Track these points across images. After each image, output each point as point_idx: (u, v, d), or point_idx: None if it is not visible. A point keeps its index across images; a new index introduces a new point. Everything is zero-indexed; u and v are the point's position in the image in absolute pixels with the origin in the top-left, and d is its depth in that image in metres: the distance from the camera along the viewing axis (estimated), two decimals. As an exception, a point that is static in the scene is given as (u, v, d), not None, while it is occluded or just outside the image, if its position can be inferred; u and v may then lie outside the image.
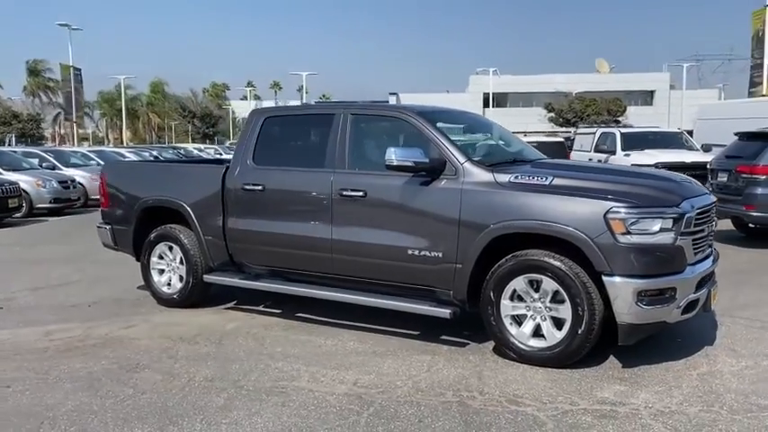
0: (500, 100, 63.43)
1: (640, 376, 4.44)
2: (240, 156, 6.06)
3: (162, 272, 6.65)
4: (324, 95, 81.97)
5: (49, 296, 7.21)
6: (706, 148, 14.55)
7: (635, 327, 4.42)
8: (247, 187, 5.88)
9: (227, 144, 52.26)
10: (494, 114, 57.14)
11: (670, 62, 63.89)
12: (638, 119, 46.74)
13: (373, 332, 5.55)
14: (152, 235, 6.62)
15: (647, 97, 63.51)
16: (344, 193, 5.35)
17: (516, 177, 4.79)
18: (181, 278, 6.51)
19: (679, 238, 4.41)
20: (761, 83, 21.92)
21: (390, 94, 65.71)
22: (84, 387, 4.41)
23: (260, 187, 5.82)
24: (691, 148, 14.61)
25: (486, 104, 62.35)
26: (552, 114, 50.62)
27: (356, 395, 4.19)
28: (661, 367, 4.60)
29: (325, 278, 5.66)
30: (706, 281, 4.76)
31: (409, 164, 4.93)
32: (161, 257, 6.64)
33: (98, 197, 7.27)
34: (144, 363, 4.90)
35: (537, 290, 4.66)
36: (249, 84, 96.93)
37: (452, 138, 5.19)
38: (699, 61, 62.28)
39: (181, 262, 6.48)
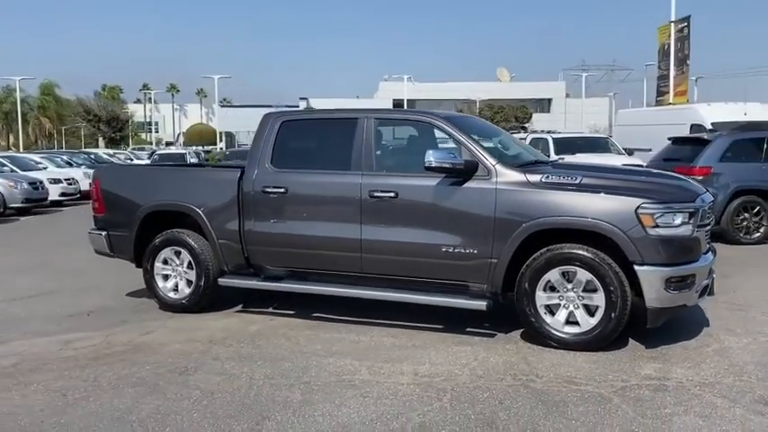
0: (410, 106, 64.70)
1: (666, 355, 4.94)
2: (257, 159, 6.12)
3: (166, 277, 6.57)
4: (225, 99, 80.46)
5: (34, 307, 6.91)
6: (629, 152, 15.74)
7: (662, 310, 4.93)
8: (268, 190, 5.96)
9: (130, 149, 50.47)
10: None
11: (565, 71, 67.64)
12: (537, 125, 49.35)
13: (399, 327, 5.78)
14: (157, 240, 6.53)
15: (544, 104, 66.84)
16: (375, 194, 5.56)
17: (547, 177, 5.19)
18: (189, 283, 6.47)
19: (695, 230, 4.96)
20: (667, 92, 23.93)
21: (301, 98, 65.67)
22: (148, 391, 4.39)
23: (282, 190, 5.92)
24: (618, 152, 15.72)
25: (396, 110, 63.43)
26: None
27: (425, 384, 4.43)
28: (678, 347, 5.13)
29: (352, 277, 5.84)
30: (710, 269, 5.35)
31: (447, 165, 5.22)
32: (165, 263, 6.56)
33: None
34: (191, 366, 4.90)
35: (569, 281, 5.07)
36: (145, 86, 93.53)
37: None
38: (585, 71, 66.37)
39: (189, 266, 6.44)
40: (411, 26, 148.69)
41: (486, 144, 5.67)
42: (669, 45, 23.14)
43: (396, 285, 5.70)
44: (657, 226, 4.83)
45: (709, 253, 5.33)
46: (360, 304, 6.05)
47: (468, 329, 5.68)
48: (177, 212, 6.51)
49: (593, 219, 4.91)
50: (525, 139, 17.28)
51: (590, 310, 5.04)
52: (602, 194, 4.99)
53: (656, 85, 26.10)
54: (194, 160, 28.38)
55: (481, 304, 5.27)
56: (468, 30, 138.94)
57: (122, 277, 7.62)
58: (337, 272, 5.88)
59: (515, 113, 50.38)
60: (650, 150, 13.73)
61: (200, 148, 51.24)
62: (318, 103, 60.25)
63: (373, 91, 69.47)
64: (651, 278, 4.82)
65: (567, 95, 65.93)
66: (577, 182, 5.13)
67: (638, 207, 4.84)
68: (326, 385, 4.45)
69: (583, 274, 4.99)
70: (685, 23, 23.19)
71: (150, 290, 6.65)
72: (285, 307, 6.57)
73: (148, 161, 29.96)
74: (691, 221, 4.93)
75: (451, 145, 5.67)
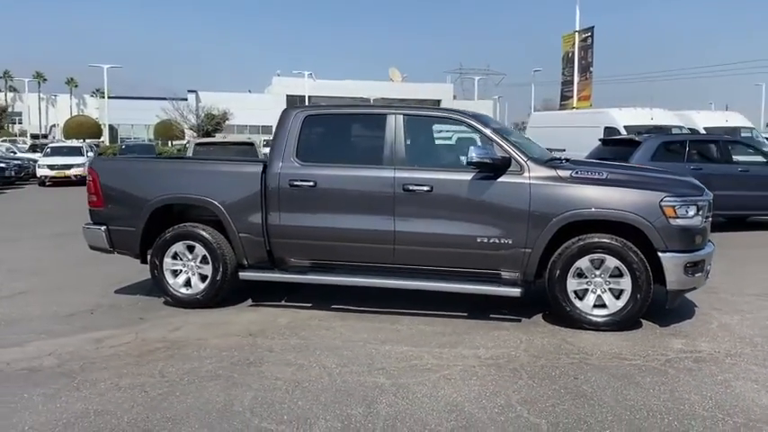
0: (302, 103, 64.36)
1: (682, 332, 5.55)
2: (281, 153, 6.14)
3: (175, 273, 6.43)
4: (98, 90, 75.88)
5: (21, 307, 6.51)
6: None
7: (680, 292, 5.56)
8: (296, 184, 6.01)
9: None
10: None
11: (445, 73, 70.16)
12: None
13: (426, 316, 6.04)
14: (167, 234, 6.37)
15: (434, 105, 68.77)
16: (409, 187, 5.78)
17: (577, 173, 5.66)
18: (203, 278, 6.37)
19: (704, 220, 5.61)
20: (571, 96, 25.68)
21: (189, 91, 63.31)
22: (231, 384, 4.39)
23: (311, 183, 5.99)
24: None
25: (291, 106, 62.94)
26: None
27: (494, 365, 4.74)
28: (687, 325, 5.76)
29: (379, 268, 6.02)
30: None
31: (487, 161, 5.55)
32: (174, 258, 6.42)
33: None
34: (253, 359, 4.91)
35: (597, 267, 5.56)
36: (6, 74, 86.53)
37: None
38: (463, 74, 69.45)
39: (203, 261, 6.34)
40: (305, 24, 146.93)
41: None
42: (573, 53, 24.91)
43: (422, 275, 5.95)
44: (678, 217, 5.42)
45: (710, 242, 6.02)
46: (372, 296, 6.29)
47: (491, 315, 6.04)
48: (188, 206, 6.40)
49: (623, 211, 5.43)
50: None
51: (615, 294, 5.55)
52: (627, 189, 5.52)
53: (561, 90, 27.99)
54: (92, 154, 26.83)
55: (516, 291, 5.65)
56: (362, 30, 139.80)
57: (87, 274, 7.58)
58: (368, 263, 6.04)
59: (414, 113, 51.64)
60: (564, 150, 14.78)
61: (82, 141, 48.31)
62: (208, 97, 58.61)
63: (265, 85, 68.41)
64: (673, 263, 5.41)
65: (455, 97, 68.40)
66: (604, 177, 5.63)
67: (661, 200, 5.42)
68: (404, 370, 4.64)
69: (611, 261, 5.50)
70: (589, 33, 25.03)
71: (159, 286, 6.47)
72: (297, 300, 6.63)
73: (40, 155, 27.89)
74: (700, 213, 5.57)
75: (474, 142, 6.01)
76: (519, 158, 5.69)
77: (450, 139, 6.30)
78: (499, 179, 5.67)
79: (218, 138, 22.10)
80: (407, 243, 5.86)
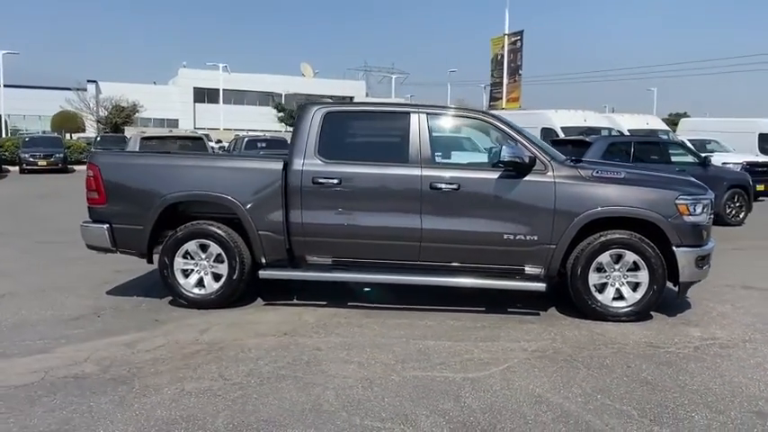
0: (212, 96, 62.65)
1: (692, 321, 5.96)
2: (302, 150, 6.06)
3: (186, 272, 6.21)
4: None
5: (16, 312, 6.08)
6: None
7: (690, 284, 5.96)
8: (321, 181, 5.96)
9: None
10: (221, 111, 56.37)
11: (349, 70, 70.54)
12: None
13: (447, 311, 6.15)
14: (179, 233, 6.14)
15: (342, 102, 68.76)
16: (437, 185, 5.88)
17: (597, 172, 5.95)
18: (216, 277, 6.19)
19: (708, 218, 6.06)
20: (500, 98, 26.53)
21: (89, 81, 60.38)
22: (304, 384, 4.33)
23: (335, 181, 5.96)
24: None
25: (198, 100, 61.18)
26: (282, 114, 52.04)
27: (544, 357, 4.93)
28: (691, 314, 6.20)
29: (401, 266, 6.09)
30: None
31: (518, 160, 5.74)
32: (185, 257, 6.20)
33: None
34: (306, 359, 4.84)
35: (616, 262, 5.88)
36: None
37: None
38: (368, 72, 70.35)
39: (216, 260, 6.17)
40: (210, 16, 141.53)
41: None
42: (502, 55, 25.76)
43: (442, 272, 6.07)
44: (690, 214, 5.83)
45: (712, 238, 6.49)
46: (379, 293, 6.43)
47: (509, 310, 6.24)
48: (195, 204, 6.21)
49: (644, 209, 5.77)
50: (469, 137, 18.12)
51: (632, 287, 5.90)
52: (646, 188, 5.88)
53: (490, 91, 28.87)
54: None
55: (541, 286, 5.88)
56: (272, 23, 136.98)
57: (61, 275, 7.38)
58: (391, 261, 6.08)
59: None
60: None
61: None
62: (109, 88, 55.85)
63: (171, 77, 65.93)
64: (687, 257, 5.81)
65: (367, 95, 68.77)
66: (622, 176, 5.96)
67: (676, 198, 5.81)
68: (463, 364, 4.74)
69: (630, 256, 5.83)
70: (518, 36, 25.95)
71: (168, 286, 6.23)
72: (308, 298, 6.57)
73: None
74: (705, 211, 6.01)
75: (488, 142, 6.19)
76: (542, 158, 5.92)
77: (468, 138, 6.44)
78: (525, 178, 5.87)
79: (165, 132, 21.13)
80: (434, 240, 5.95)
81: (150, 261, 6.38)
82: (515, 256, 5.92)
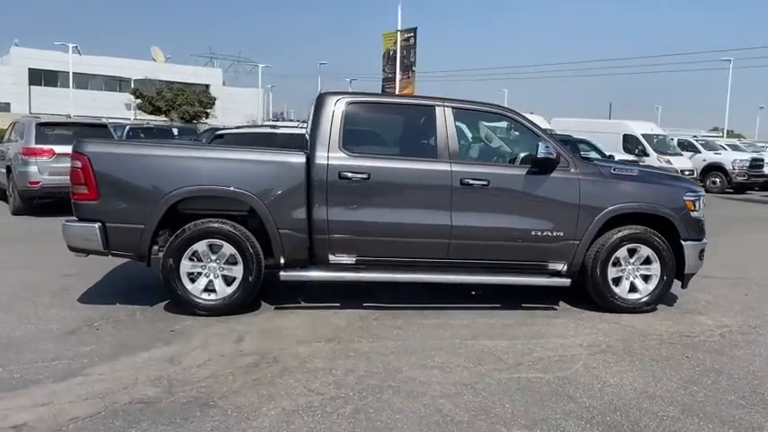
0: (49, 78, 57.10)
1: (694, 309, 6.36)
2: (324, 143, 5.68)
3: (192, 276, 5.61)
4: None
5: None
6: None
7: (692, 275, 6.36)
8: (348, 176, 5.63)
9: None
10: (64, 95, 51.55)
11: (193, 56, 68.06)
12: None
13: (469, 309, 6.08)
14: (186, 233, 5.52)
15: (204, 90, 65.64)
16: (467, 181, 5.78)
17: (614, 170, 6.17)
18: (227, 280, 5.64)
19: (703, 213, 6.51)
20: (393, 94, 26.53)
21: None
22: (407, 394, 4.07)
23: (364, 176, 5.66)
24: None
25: (34, 82, 55.57)
26: (140, 101, 48.58)
27: (604, 351, 5.02)
28: (685, 303, 6.58)
29: (427, 264, 5.93)
30: None
31: (551, 157, 5.78)
32: (192, 259, 5.59)
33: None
34: (379, 366, 4.56)
35: (631, 255, 6.14)
36: None
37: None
38: (213, 59, 68.84)
39: (229, 261, 5.63)
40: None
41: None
42: (395, 51, 25.87)
43: (467, 269, 6.01)
44: (694, 210, 6.22)
45: None
46: (387, 292, 6.32)
47: (523, 305, 6.30)
48: (199, 200, 5.63)
49: (660, 205, 6.06)
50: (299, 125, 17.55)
51: (643, 279, 6.18)
52: (659, 185, 6.19)
53: (382, 86, 28.81)
54: None
55: (566, 281, 6.00)
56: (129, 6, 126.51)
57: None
58: (419, 259, 5.89)
59: (199, 97, 48.90)
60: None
61: None
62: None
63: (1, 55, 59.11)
64: (692, 250, 6.19)
65: (224, 83, 66.32)
66: (636, 174, 6.22)
67: (684, 194, 6.17)
68: (536, 362, 4.72)
69: (645, 250, 6.11)
70: (411, 34, 26.17)
71: (172, 292, 5.59)
72: (319, 300, 6.21)
73: None
74: (704, 207, 6.45)
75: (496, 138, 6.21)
76: (565, 155, 6.02)
77: (493, 133, 6.38)
78: (552, 174, 5.93)
79: (63, 118, 18.81)
80: (464, 238, 5.84)
81: (149, 264, 5.68)
82: (541, 252, 5.98)
